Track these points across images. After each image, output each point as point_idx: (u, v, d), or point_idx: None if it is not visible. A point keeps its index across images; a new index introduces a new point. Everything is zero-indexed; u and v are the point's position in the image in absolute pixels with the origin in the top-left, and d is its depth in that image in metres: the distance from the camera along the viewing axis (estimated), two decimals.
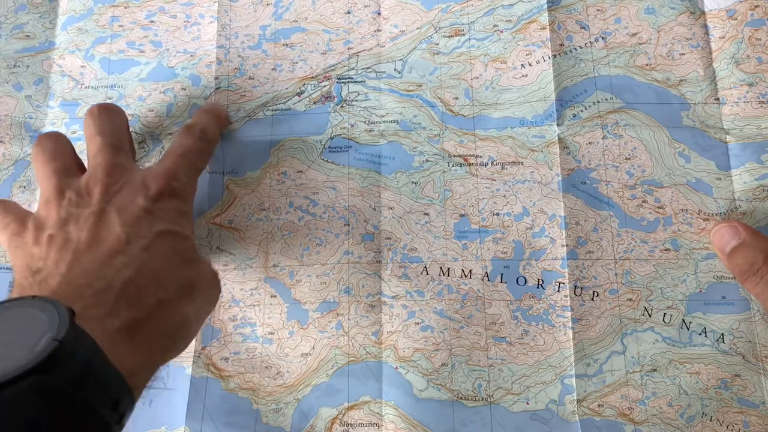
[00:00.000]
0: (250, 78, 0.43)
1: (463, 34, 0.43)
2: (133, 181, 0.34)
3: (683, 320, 0.38)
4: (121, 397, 0.26)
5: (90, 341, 0.25)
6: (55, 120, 0.43)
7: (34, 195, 0.42)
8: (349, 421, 0.37)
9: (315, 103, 0.42)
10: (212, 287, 0.36)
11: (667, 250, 0.39)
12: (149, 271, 0.31)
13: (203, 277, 0.35)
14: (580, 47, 0.42)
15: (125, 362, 0.27)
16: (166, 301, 0.31)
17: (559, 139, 0.40)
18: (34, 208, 0.41)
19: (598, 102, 0.41)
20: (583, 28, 0.42)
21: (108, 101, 0.43)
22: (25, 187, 0.42)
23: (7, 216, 0.34)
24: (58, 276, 0.29)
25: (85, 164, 0.37)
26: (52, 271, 0.30)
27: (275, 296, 0.39)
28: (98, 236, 0.31)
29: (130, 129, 0.42)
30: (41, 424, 0.22)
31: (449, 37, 0.43)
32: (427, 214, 0.40)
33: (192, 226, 0.36)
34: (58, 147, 0.36)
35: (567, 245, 0.39)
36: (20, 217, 0.34)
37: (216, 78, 0.43)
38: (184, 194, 0.36)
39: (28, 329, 0.24)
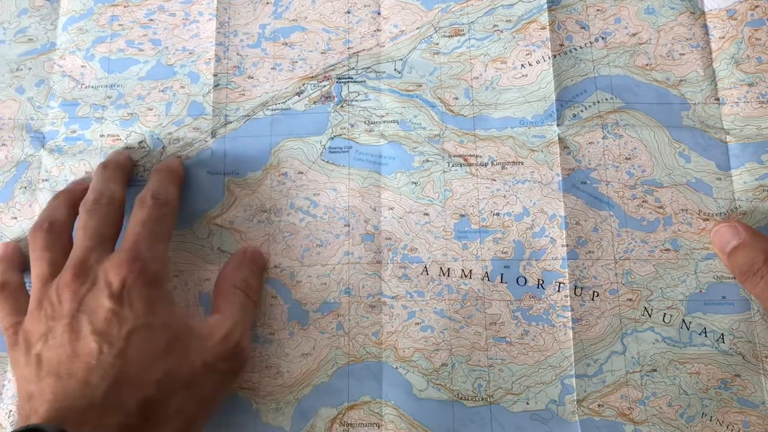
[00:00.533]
0: (249, 77, 0.43)
1: (463, 34, 0.43)
2: (98, 278, 0.34)
3: (683, 320, 0.38)
4: None
5: None
6: (55, 120, 0.42)
7: (35, 195, 0.41)
8: (349, 421, 0.38)
9: (315, 102, 0.42)
10: (222, 364, 0.35)
11: (667, 250, 0.39)
12: (126, 377, 0.32)
13: (198, 360, 0.34)
14: (580, 47, 0.42)
15: None
16: (152, 399, 0.32)
17: (560, 139, 0.40)
18: (34, 208, 0.41)
19: (598, 102, 0.41)
20: (583, 28, 0.42)
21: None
22: (26, 187, 0.42)
23: (3, 319, 0.36)
24: (46, 403, 0.31)
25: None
26: (40, 398, 0.31)
27: (276, 297, 0.39)
28: (74, 351, 0.32)
29: (130, 129, 0.42)
30: None
31: (449, 37, 0.43)
32: (427, 214, 0.40)
33: (169, 304, 0.35)
34: (47, 240, 0.36)
35: (567, 245, 0.39)
36: (14, 325, 0.36)
37: (215, 75, 0.43)
38: (150, 273, 0.34)
39: None
